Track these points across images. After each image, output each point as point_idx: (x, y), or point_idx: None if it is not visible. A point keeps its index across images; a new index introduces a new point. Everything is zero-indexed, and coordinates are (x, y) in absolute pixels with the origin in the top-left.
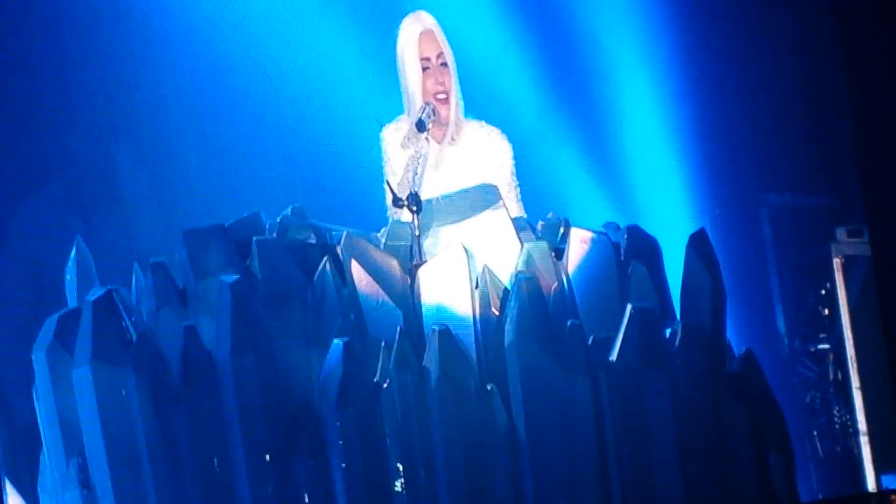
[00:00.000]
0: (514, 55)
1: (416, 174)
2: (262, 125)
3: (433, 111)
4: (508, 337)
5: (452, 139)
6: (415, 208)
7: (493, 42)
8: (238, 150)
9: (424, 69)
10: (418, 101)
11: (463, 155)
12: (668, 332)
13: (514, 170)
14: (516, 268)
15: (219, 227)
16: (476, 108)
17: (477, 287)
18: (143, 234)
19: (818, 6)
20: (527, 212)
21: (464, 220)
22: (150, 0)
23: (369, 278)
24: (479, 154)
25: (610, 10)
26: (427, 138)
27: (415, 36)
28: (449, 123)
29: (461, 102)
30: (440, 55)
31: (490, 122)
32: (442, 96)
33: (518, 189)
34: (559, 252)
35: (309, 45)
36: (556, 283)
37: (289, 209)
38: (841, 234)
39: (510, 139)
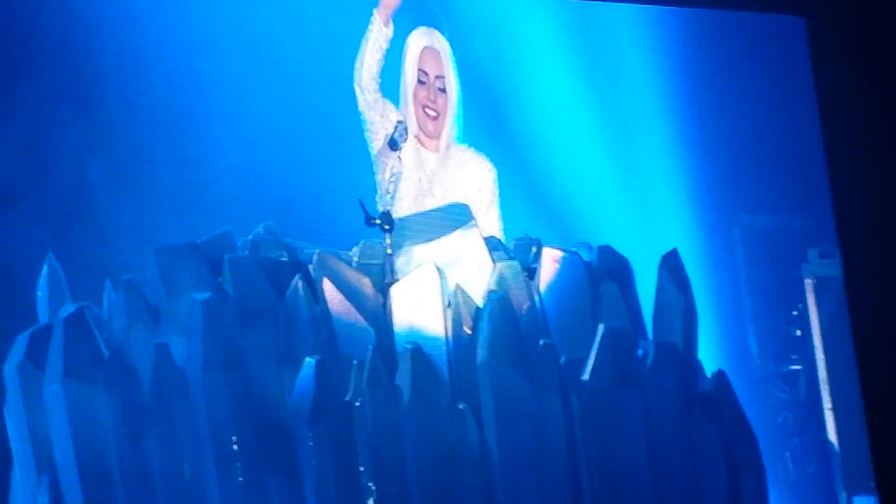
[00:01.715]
0: (495, 72)
1: (389, 192)
2: (235, 142)
3: (405, 130)
4: (480, 356)
5: (441, 161)
6: (387, 227)
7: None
8: (210, 168)
9: (421, 81)
10: (409, 109)
11: (448, 174)
12: (640, 351)
13: (496, 197)
14: (488, 287)
15: (191, 244)
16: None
17: (449, 306)
18: (114, 251)
19: (791, 29)
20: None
21: (436, 239)
22: (122, 16)
23: (341, 296)
24: (464, 172)
25: (589, 35)
26: (399, 157)
27: (417, 49)
28: (438, 140)
29: (455, 129)
30: (440, 77)
31: (472, 142)
32: (432, 113)
33: (500, 218)
34: (531, 271)
35: (282, 62)
36: (528, 303)
37: (261, 227)
38: (813, 255)
39: (494, 159)
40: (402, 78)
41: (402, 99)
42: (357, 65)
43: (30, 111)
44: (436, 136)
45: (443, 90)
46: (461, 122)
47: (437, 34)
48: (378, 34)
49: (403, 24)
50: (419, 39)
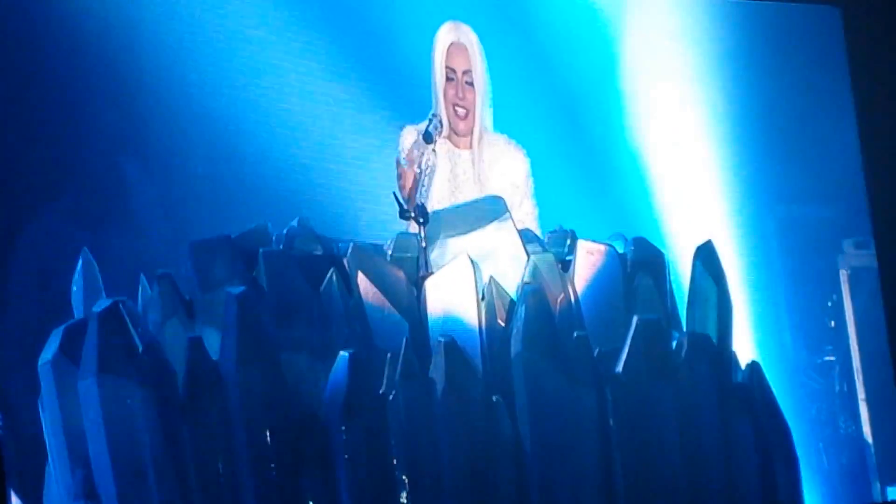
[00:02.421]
0: (529, 65)
1: (423, 185)
2: (270, 136)
3: (440, 123)
4: (514, 348)
5: (474, 153)
6: (421, 220)
7: (510, 53)
8: (245, 162)
9: (449, 79)
10: (441, 107)
11: (483, 166)
12: (674, 343)
13: (530, 189)
14: (522, 279)
15: (225, 238)
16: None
17: (483, 298)
18: (149, 246)
19: (827, 19)
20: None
21: (470, 232)
22: (157, 10)
23: (375, 290)
24: (499, 168)
25: (623, 25)
26: (434, 150)
27: (444, 46)
28: (470, 136)
29: (488, 118)
30: (467, 72)
31: (502, 130)
32: (461, 111)
33: (536, 209)
34: (565, 264)
35: (318, 55)
36: (563, 295)
37: (295, 221)
38: (848, 245)
39: (527, 151)
40: (432, 77)
41: (434, 98)
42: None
43: (64, 107)
44: (467, 133)
45: (470, 84)
46: (493, 111)
47: (464, 27)
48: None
49: (433, 18)
50: (446, 36)
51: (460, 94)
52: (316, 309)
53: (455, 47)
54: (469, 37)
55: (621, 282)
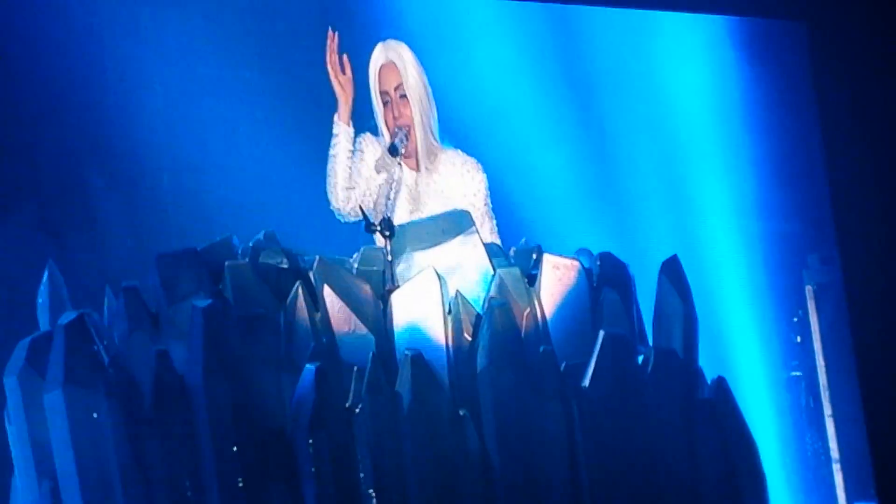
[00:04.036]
0: (493, 77)
1: (389, 199)
2: (236, 149)
3: (406, 136)
4: (481, 362)
5: (426, 168)
6: (387, 233)
7: (467, 64)
8: (210, 174)
9: (385, 103)
10: (384, 134)
11: (437, 183)
12: (640, 358)
13: (488, 202)
14: (489, 293)
15: (191, 251)
16: (452, 132)
17: (449, 312)
18: (115, 258)
19: (794, 34)
20: (502, 240)
21: (436, 246)
22: (122, 21)
23: (342, 303)
24: (453, 184)
25: (591, 40)
26: (400, 163)
27: (374, 71)
28: (416, 152)
29: (432, 131)
30: (399, 86)
31: (464, 145)
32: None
33: (493, 221)
34: (532, 278)
35: (284, 67)
36: (529, 309)
37: (261, 233)
38: (814, 260)
39: (485, 165)
40: (373, 107)
41: (379, 128)
42: (330, 187)
43: (29, 117)
44: (412, 154)
45: (404, 96)
46: (437, 124)
47: (392, 44)
48: (343, 140)
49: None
50: (375, 60)
51: (396, 113)
52: (282, 322)
53: (385, 68)
54: (398, 51)
55: (587, 296)
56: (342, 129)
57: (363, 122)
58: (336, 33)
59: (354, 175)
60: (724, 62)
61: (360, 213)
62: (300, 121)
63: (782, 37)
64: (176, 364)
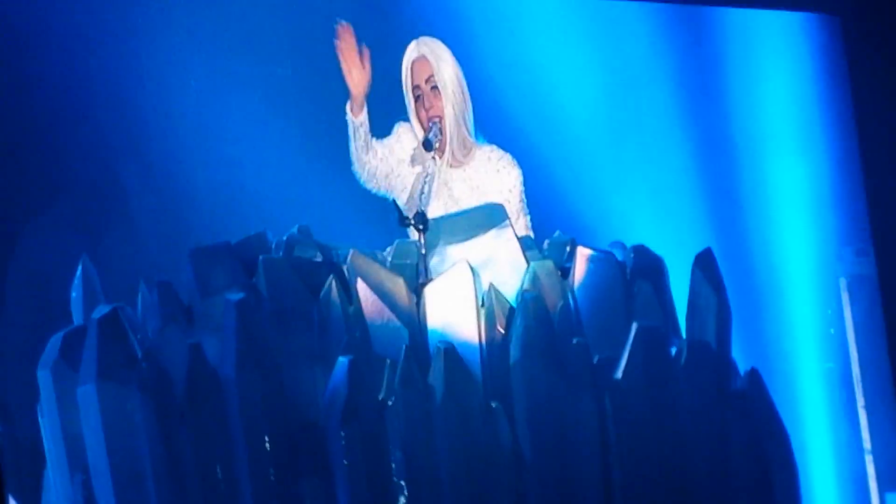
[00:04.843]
0: (527, 73)
1: (423, 193)
2: (270, 143)
3: (440, 130)
4: (514, 355)
5: (458, 161)
6: (421, 227)
7: (503, 61)
8: (245, 169)
9: (417, 98)
10: (418, 130)
11: (472, 179)
12: (673, 350)
13: (523, 198)
14: (522, 286)
15: (225, 245)
16: (487, 128)
17: (482, 305)
18: (148, 253)
19: (828, 28)
20: (535, 233)
21: (470, 239)
22: (155, 17)
23: (375, 296)
24: (488, 180)
25: (632, 29)
26: (434, 157)
27: (407, 66)
28: (447, 145)
29: (465, 124)
30: (430, 78)
31: (499, 140)
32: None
33: (528, 217)
34: (565, 271)
35: (317, 63)
36: (562, 302)
37: (295, 228)
38: (848, 253)
39: (519, 157)
40: (406, 105)
41: (413, 126)
42: (355, 166)
43: (63, 115)
44: (444, 147)
45: (436, 88)
46: (472, 119)
47: (425, 39)
48: (357, 127)
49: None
50: (406, 58)
51: (427, 105)
52: (315, 315)
53: (417, 63)
54: (430, 46)
55: (621, 289)
56: (349, 118)
57: (388, 121)
58: (349, 24)
59: (385, 152)
60: (760, 56)
61: (378, 185)
62: (333, 116)
63: (816, 30)
64: (209, 358)
